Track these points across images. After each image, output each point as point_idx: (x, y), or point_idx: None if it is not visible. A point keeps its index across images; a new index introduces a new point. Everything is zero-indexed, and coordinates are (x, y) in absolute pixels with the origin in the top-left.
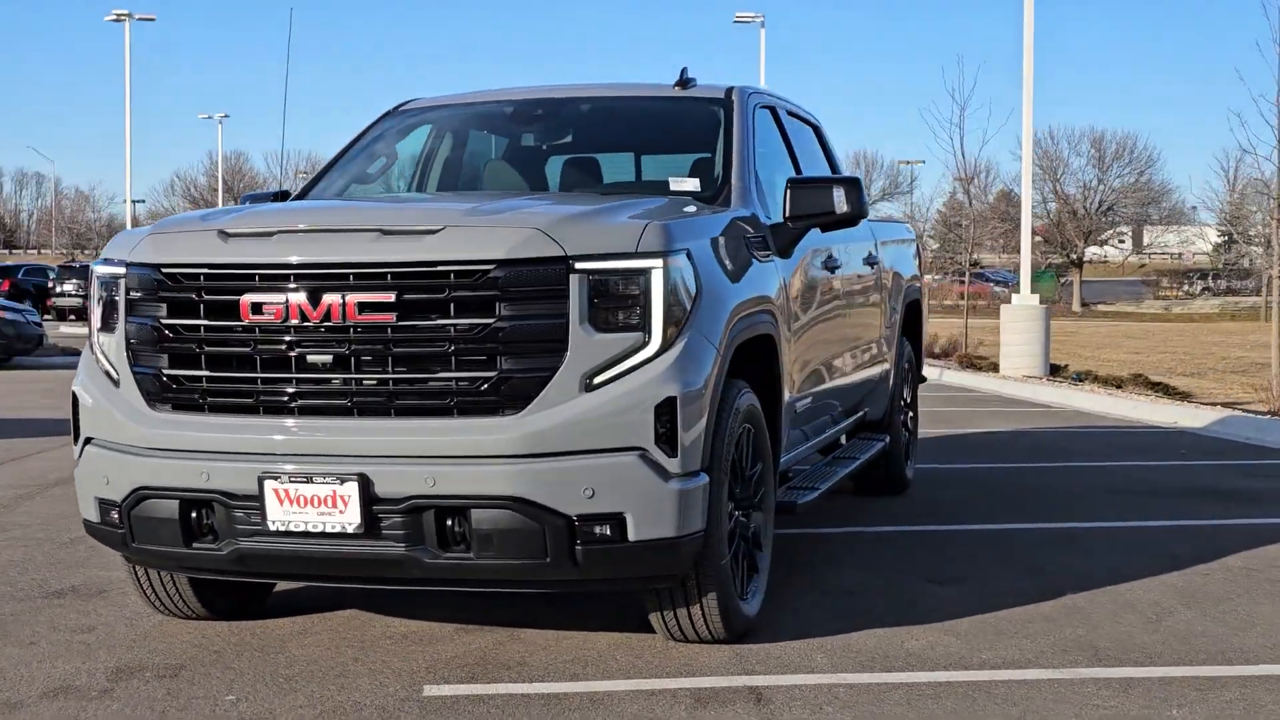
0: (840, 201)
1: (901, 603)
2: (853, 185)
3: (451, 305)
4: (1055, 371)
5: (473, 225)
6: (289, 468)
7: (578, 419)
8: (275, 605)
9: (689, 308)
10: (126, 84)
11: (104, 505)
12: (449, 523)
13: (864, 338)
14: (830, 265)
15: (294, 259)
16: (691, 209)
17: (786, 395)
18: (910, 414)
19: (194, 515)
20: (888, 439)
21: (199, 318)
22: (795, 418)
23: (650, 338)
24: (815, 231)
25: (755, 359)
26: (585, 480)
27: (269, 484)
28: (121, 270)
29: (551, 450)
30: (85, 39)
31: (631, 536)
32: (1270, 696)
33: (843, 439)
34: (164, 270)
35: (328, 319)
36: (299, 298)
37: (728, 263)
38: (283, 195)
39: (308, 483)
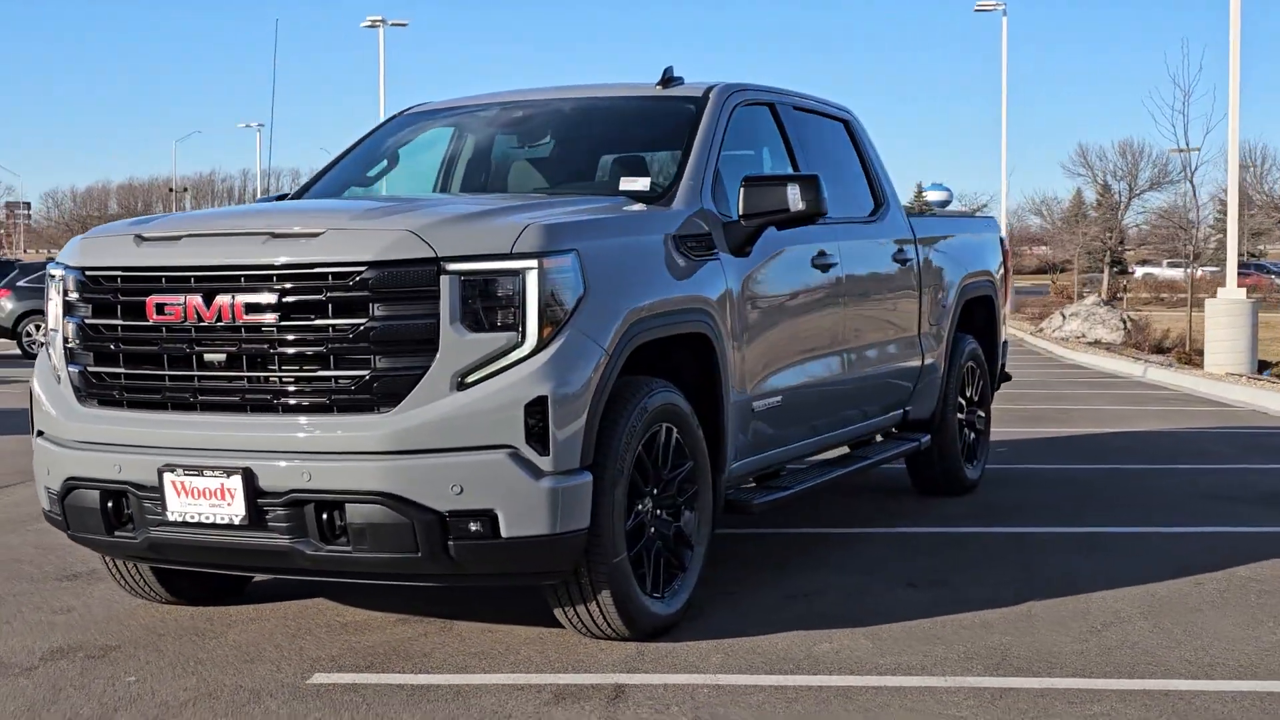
0: (794, 199)
1: (855, 607)
2: (809, 183)
3: (329, 306)
4: (1264, 368)
5: (350, 228)
6: (184, 461)
7: (447, 417)
8: (256, 591)
9: (570, 308)
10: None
11: (49, 495)
12: (326, 516)
13: (888, 335)
14: (823, 263)
15: (192, 261)
16: (621, 209)
17: (733, 395)
18: (978, 413)
19: (111, 505)
20: (925, 438)
21: (116, 318)
22: (755, 417)
23: (524, 338)
24: (801, 230)
25: (698, 357)
26: (454, 477)
27: (167, 476)
28: (61, 272)
29: (421, 447)
30: None
31: (504, 533)
32: (1138, 713)
33: (878, 437)
34: (88, 273)
35: (220, 319)
36: (196, 299)
37: (638, 262)
38: (282, 198)
39: (200, 475)
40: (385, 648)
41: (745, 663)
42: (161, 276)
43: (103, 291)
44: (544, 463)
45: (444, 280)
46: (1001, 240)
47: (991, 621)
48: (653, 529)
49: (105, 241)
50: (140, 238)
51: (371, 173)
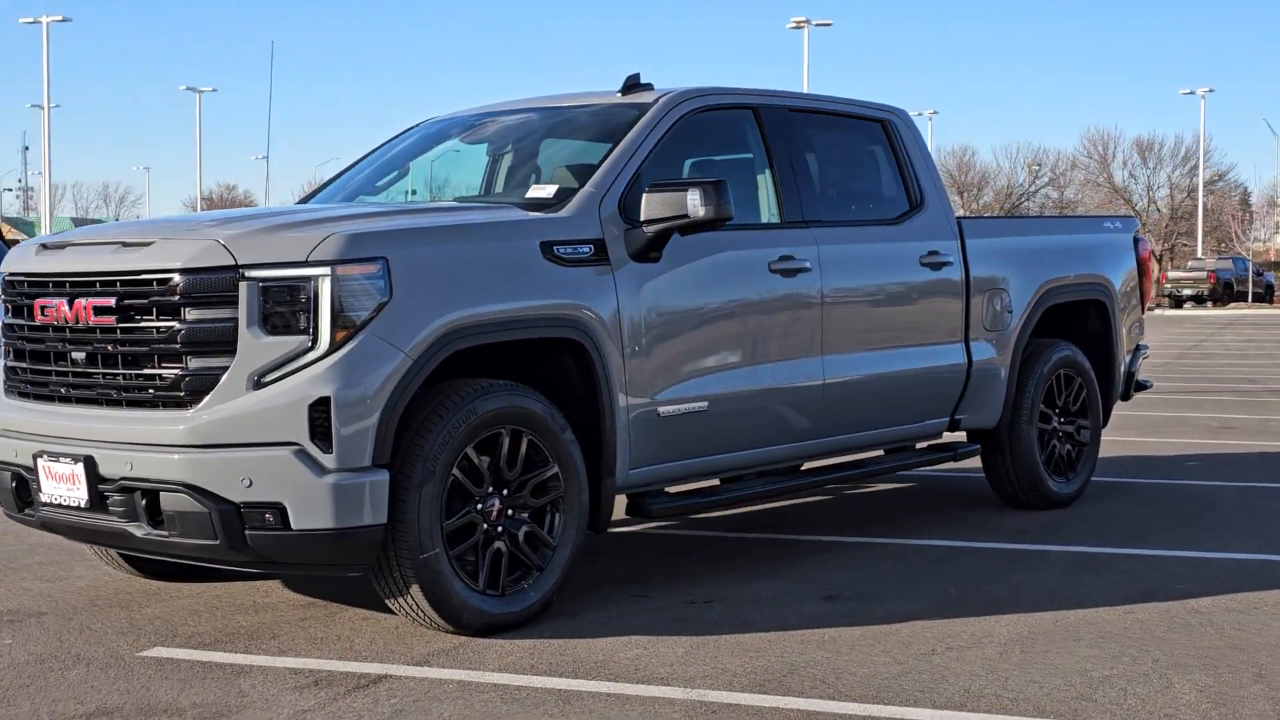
0: (695, 205)
1: (729, 617)
2: (712, 188)
3: (154, 309)
4: None
5: (173, 239)
6: (50, 448)
7: (241, 414)
8: (232, 572)
9: (368, 314)
10: None
11: None
12: (147, 502)
13: (904, 340)
14: (787, 267)
15: (63, 269)
16: (493, 217)
17: (627, 401)
18: (1077, 423)
19: (16, 485)
20: (966, 448)
21: (22, 318)
22: (665, 424)
23: (316, 341)
24: (754, 234)
25: (580, 363)
26: (244, 470)
27: (40, 462)
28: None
29: (217, 442)
30: None
31: (293, 525)
32: None
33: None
34: (7, 278)
35: (79, 320)
36: (64, 302)
37: (477, 269)
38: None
39: (58, 461)
40: (252, 629)
41: (530, 663)
42: (48, 282)
43: (14, 295)
44: (328, 460)
45: (243, 286)
46: (1137, 241)
47: (829, 639)
48: (496, 528)
49: (22, 250)
50: (43, 246)
51: (381, 182)
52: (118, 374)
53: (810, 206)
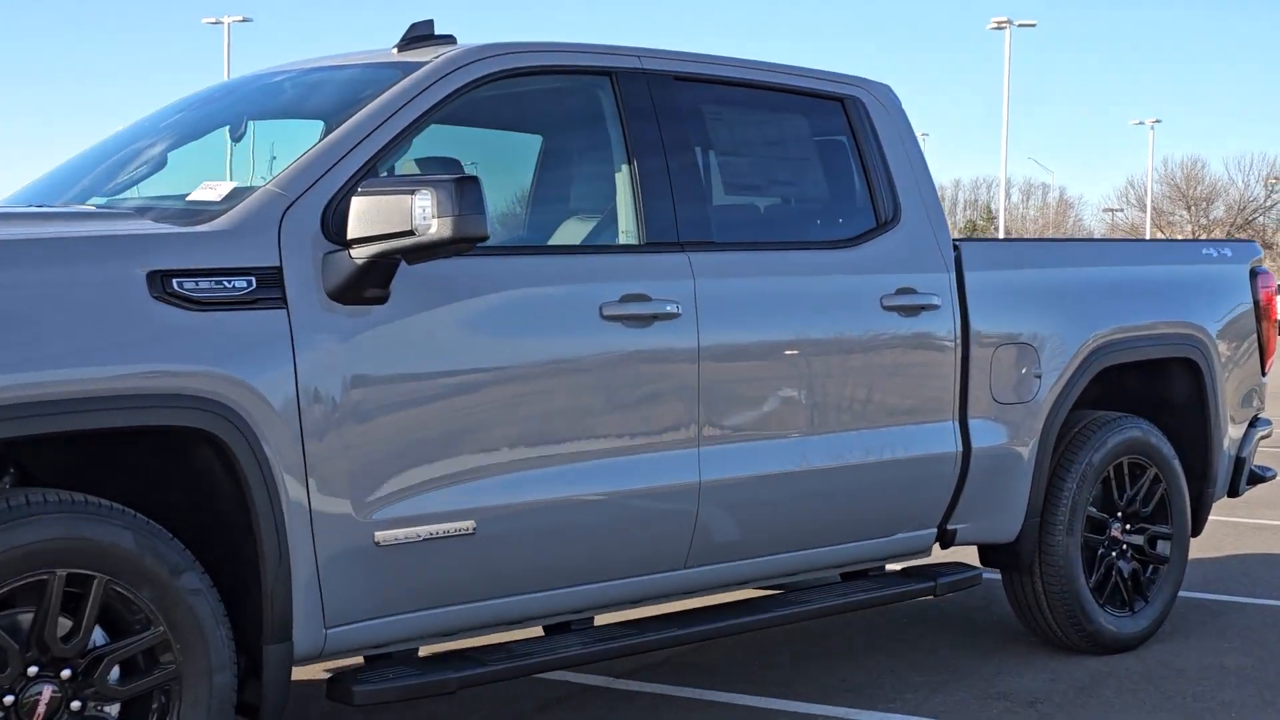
0: (424, 215)
1: None
2: (454, 189)
3: None
4: None
5: None
6: None
7: None
8: None
9: None
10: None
11: None
12: None
13: (841, 420)
14: (636, 313)
15: None
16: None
17: (305, 522)
18: (1150, 531)
19: None
20: (969, 575)
21: None
22: (386, 556)
23: None
24: (562, 261)
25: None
26: None
27: None
28: None
29: None
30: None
31: None
32: None
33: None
34: None
35: None
36: None
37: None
38: None
39: None
40: None
41: None
42: None
43: None
44: None
45: None
46: (1256, 274)
47: None
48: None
49: None
50: None
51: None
52: None
53: (693, 222)
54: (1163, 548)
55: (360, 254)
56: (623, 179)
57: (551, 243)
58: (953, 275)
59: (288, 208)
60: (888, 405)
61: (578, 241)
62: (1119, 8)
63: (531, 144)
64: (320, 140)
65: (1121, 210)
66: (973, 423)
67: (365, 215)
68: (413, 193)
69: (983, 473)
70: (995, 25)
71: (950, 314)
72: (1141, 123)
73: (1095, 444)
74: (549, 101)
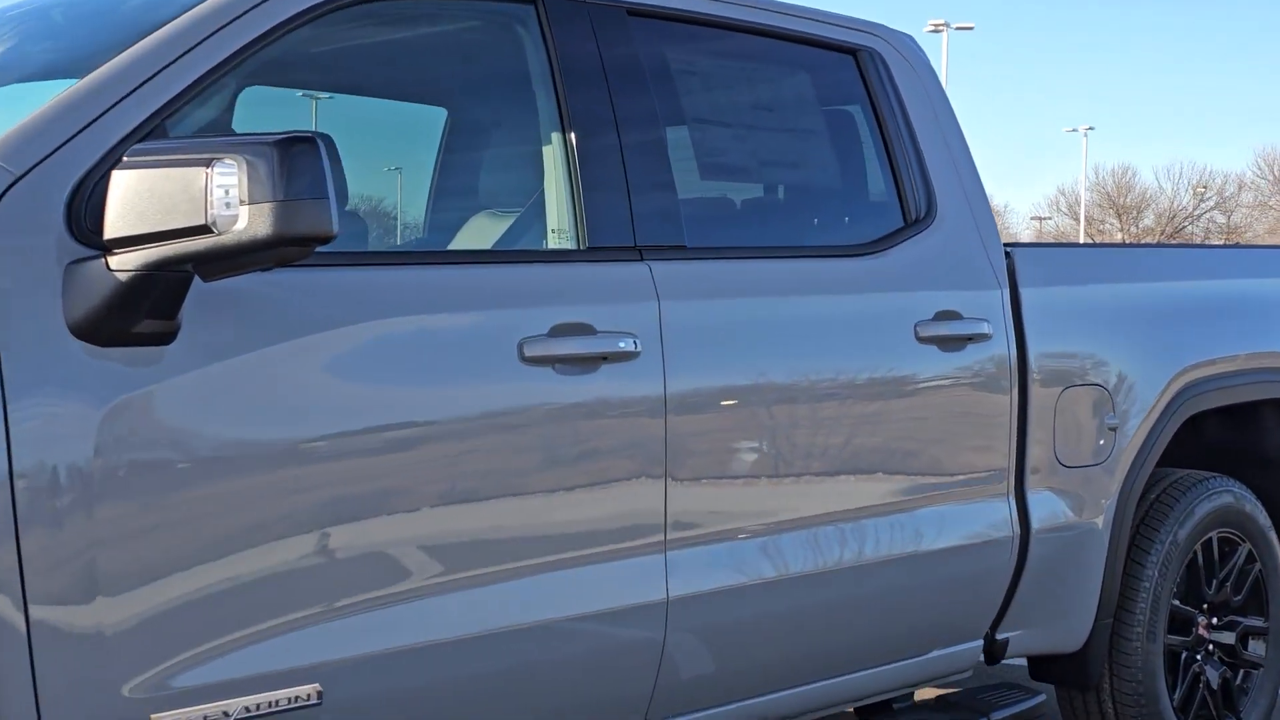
0: (225, 200)
1: None
2: (273, 156)
3: None
4: None
5: None
6: None
7: None
8: None
9: None
10: None
11: None
12: None
13: (859, 497)
14: (580, 354)
15: None
16: None
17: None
18: (1241, 629)
19: None
20: (1026, 706)
21: None
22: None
23: None
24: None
25: None
26: None
27: None
28: None
29: None
30: None
31: None
32: None
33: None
34: None
35: None
36: None
37: None
38: None
39: None
40: None
41: None
42: None
43: None
44: None
45: None
46: None
47: None
48: None
49: None
50: None
51: None
52: None
53: (656, 219)
54: (1256, 648)
55: (124, 263)
56: (553, 157)
57: (448, 249)
58: (1006, 293)
59: (6, 189)
60: (924, 477)
61: (486, 246)
62: (1056, 12)
63: (419, 109)
64: (69, 89)
65: (1050, 218)
66: (1032, 495)
67: (133, 200)
68: (208, 164)
69: (1044, 561)
70: (933, 28)
71: (1005, 346)
72: (1075, 129)
73: (1180, 515)
74: (443, 44)
